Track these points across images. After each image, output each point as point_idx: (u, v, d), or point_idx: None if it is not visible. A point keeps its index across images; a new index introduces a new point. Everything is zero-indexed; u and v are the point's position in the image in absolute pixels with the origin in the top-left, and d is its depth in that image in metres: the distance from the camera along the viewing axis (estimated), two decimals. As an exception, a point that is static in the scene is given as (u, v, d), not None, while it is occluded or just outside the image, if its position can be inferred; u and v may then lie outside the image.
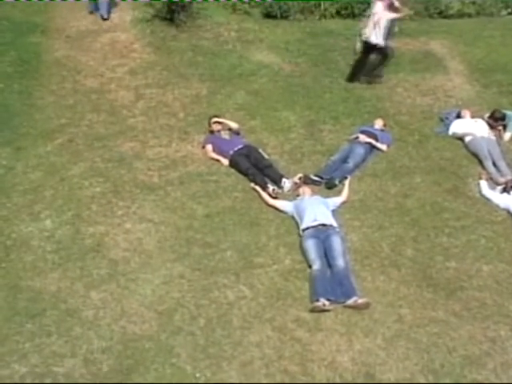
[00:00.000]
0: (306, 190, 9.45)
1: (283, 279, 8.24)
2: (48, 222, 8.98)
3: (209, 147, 10.50)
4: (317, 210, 8.87)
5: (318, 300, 7.79)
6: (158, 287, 8.07)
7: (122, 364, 7.12)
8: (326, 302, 7.78)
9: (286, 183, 9.81)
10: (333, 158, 10.41)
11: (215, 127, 10.71)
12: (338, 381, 7.04)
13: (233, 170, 10.15)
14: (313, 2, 15.58)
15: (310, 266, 8.33)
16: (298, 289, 8.12)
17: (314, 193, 9.50)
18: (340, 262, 8.28)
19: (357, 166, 10.29)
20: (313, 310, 7.78)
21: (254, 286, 8.13)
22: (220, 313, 7.77)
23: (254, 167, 10.04)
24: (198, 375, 7.04)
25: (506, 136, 11.19)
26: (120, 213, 9.25)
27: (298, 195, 9.52)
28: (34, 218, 9.04)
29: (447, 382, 7.11)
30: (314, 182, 9.88)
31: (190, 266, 8.39)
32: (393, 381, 7.07)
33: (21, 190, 9.53)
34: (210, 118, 10.88)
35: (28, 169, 9.96)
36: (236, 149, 10.31)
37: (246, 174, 10.00)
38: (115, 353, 7.23)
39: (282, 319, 7.71)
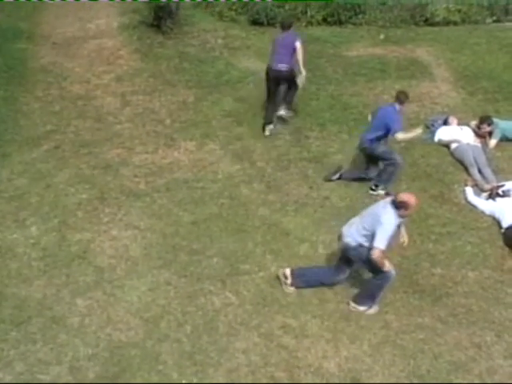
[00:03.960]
0: None
1: (269, 286, 8.23)
2: (33, 229, 8.95)
3: None
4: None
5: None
6: (144, 294, 8.05)
7: (108, 371, 7.09)
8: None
9: (267, 131, 11.22)
10: None
11: None
12: (324, 387, 7.06)
13: (220, 177, 10.15)
14: (299, 9, 15.61)
15: None
16: (284, 295, 8.12)
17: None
18: None
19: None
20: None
21: (240, 293, 8.13)
22: (206, 319, 7.76)
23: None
24: (184, 382, 7.03)
25: (492, 143, 11.24)
26: (106, 220, 9.23)
27: None
28: (20, 225, 9.01)
29: (433, 388, 7.14)
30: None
31: (177, 273, 8.38)
32: (379, 387, 7.10)
33: (6, 196, 9.50)
34: None
35: (13, 175, 9.93)
36: (278, 68, 10.95)
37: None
38: (101, 360, 7.21)
39: (268, 326, 7.71)
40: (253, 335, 7.59)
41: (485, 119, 11.29)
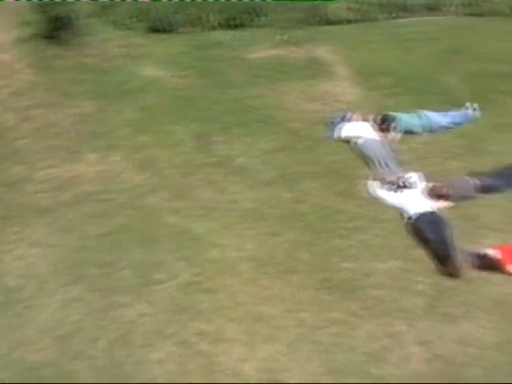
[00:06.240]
0: None
1: (182, 293, 8.21)
2: None
3: None
4: None
5: None
6: (55, 312, 7.91)
7: (21, 394, 6.94)
8: None
9: None
10: None
11: None
12: (243, 389, 7.08)
13: (125, 187, 10.04)
14: (199, 14, 15.57)
15: None
16: (199, 302, 8.11)
17: None
18: None
19: None
20: None
21: (153, 303, 8.08)
22: (121, 332, 7.69)
23: None
24: (101, 398, 6.94)
25: (394, 136, 11.42)
26: (12, 238, 9.03)
27: None
28: None
29: (352, 380, 7.23)
30: None
31: (88, 288, 8.25)
32: (298, 385, 7.16)
33: None
34: None
35: None
36: None
37: None
38: None
39: (184, 333, 7.69)
40: (168, 344, 7.55)
41: (384, 120, 11.52)
